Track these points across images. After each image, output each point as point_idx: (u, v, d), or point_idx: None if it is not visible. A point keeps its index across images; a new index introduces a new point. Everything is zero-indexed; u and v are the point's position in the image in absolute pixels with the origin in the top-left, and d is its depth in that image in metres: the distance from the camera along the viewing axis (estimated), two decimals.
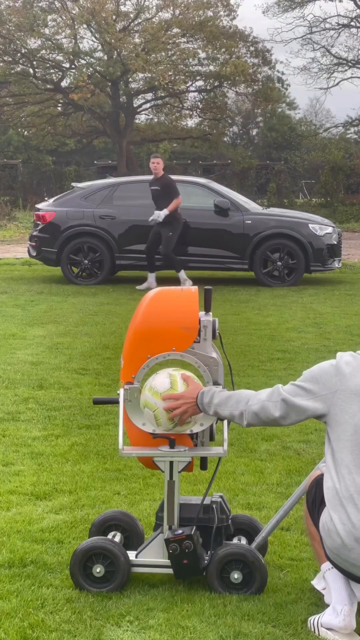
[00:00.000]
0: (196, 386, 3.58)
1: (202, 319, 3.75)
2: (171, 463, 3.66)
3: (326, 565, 3.40)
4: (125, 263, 14.49)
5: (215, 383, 3.71)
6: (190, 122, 43.24)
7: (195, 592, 3.66)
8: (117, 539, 3.90)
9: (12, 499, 4.76)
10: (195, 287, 3.87)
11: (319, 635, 3.33)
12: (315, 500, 3.46)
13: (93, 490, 4.89)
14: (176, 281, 13.44)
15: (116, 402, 3.73)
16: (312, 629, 3.36)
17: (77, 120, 42.06)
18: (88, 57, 37.95)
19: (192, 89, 40.62)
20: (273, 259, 14.35)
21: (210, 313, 3.81)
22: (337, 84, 40.15)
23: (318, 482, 3.47)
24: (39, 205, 15.76)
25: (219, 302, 12.10)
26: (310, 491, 3.51)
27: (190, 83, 39.85)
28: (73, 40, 37.78)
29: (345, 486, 3.23)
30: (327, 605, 3.42)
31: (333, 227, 15.04)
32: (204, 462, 3.87)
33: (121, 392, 3.70)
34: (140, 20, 38.03)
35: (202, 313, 3.82)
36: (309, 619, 3.41)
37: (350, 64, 39.48)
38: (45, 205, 15.31)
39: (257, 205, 16.40)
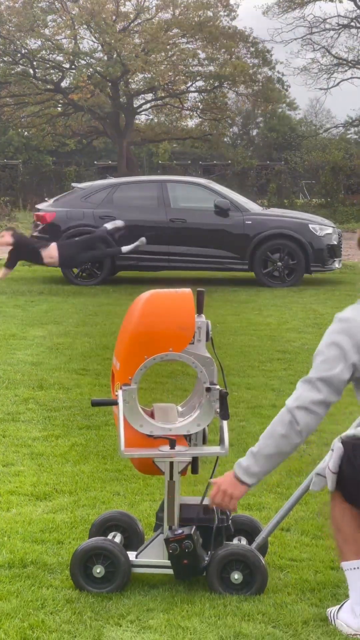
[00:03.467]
0: (227, 479, 3.43)
1: (196, 321, 3.75)
2: (171, 463, 3.67)
3: (350, 564, 3.32)
4: (125, 263, 14.49)
5: (212, 383, 3.71)
6: (191, 123, 43.29)
7: (195, 593, 3.65)
8: (117, 539, 3.89)
9: (12, 499, 4.76)
10: (189, 289, 3.87)
11: (335, 626, 3.34)
12: (350, 479, 3.23)
13: (93, 490, 4.89)
14: (170, 282, 13.44)
15: (115, 403, 3.73)
16: (330, 619, 3.38)
17: (77, 120, 42.08)
18: (88, 58, 37.97)
19: (192, 89, 40.67)
20: (273, 260, 14.35)
21: (203, 315, 3.80)
22: (337, 84, 40.17)
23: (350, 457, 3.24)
24: (39, 206, 15.77)
25: (219, 302, 12.09)
26: (345, 468, 3.24)
27: (190, 83, 39.88)
28: (73, 41, 37.81)
29: None
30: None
31: (333, 227, 15.05)
32: (195, 465, 3.85)
33: (120, 393, 3.70)
34: (140, 21, 38.04)
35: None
36: (327, 610, 3.43)
37: (350, 65, 39.47)
38: (45, 206, 15.31)
39: (257, 205, 16.39)
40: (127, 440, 3.68)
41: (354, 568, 3.31)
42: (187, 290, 3.83)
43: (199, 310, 3.81)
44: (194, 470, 3.85)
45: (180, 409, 3.88)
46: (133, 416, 3.68)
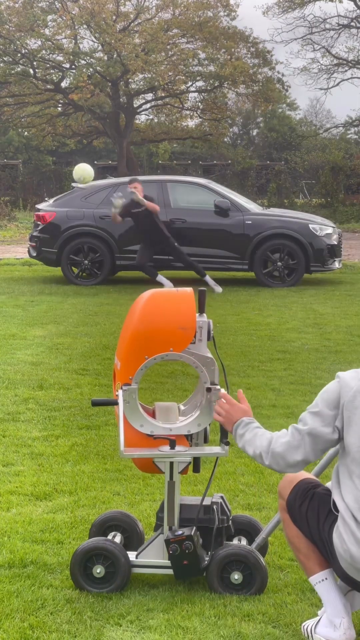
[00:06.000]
0: (244, 409, 3.47)
1: (197, 320, 3.75)
2: (171, 463, 3.66)
3: (317, 577, 3.32)
4: (125, 263, 14.49)
5: (212, 383, 3.72)
6: (191, 123, 43.25)
7: (195, 593, 3.65)
8: (117, 539, 3.90)
9: (12, 499, 4.76)
10: (191, 289, 3.87)
11: None
12: (301, 509, 3.34)
13: (93, 490, 4.89)
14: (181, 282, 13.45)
15: (115, 403, 3.73)
16: (306, 635, 3.33)
17: (77, 120, 42.06)
18: (88, 58, 37.93)
19: (192, 89, 40.64)
20: (273, 260, 14.35)
21: (205, 314, 3.80)
22: (338, 84, 40.12)
23: (304, 490, 3.38)
24: (39, 206, 15.76)
25: (220, 302, 12.08)
26: (295, 499, 3.37)
27: (190, 83, 39.86)
28: (73, 41, 37.77)
29: None
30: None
31: (333, 227, 15.04)
32: (197, 465, 3.86)
33: (120, 393, 3.69)
34: (140, 21, 38.01)
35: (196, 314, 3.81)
36: (303, 624, 3.38)
37: (350, 65, 39.44)
38: (45, 206, 15.30)
39: (257, 205, 16.39)
40: (127, 440, 3.69)
41: (322, 580, 3.31)
42: (189, 290, 3.83)
43: (201, 309, 3.81)
44: (196, 469, 3.85)
45: (182, 407, 3.88)
46: (133, 416, 3.68)
